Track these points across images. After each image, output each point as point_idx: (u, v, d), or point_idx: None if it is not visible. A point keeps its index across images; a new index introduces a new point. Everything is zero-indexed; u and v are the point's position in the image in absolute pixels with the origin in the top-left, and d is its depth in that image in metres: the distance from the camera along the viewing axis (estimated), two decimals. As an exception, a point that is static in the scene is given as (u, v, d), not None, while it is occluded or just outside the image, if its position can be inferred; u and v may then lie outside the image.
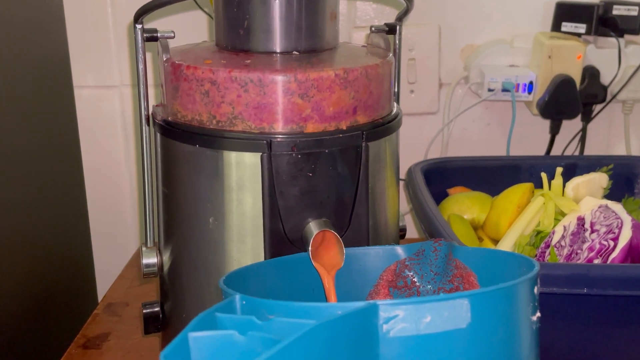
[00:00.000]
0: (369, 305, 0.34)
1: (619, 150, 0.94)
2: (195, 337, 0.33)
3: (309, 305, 0.35)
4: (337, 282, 0.49)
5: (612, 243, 0.57)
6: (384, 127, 0.52)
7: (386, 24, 0.58)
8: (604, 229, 0.59)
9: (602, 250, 0.57)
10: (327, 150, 0.49)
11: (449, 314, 0.35)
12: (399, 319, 0.35)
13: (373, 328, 0.35)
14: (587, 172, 0.71)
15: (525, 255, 0.43)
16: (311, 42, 0.53)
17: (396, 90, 0.59)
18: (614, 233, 0.58)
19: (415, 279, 0.49)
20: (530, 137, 0.93)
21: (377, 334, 0.35)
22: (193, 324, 0.35)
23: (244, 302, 0.37)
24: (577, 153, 0.93)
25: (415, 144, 0.93)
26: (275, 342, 0.31)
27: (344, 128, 0.50)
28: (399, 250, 0.50)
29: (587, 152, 0.93)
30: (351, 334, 0.34)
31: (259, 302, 0.37)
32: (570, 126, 0.92)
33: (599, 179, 0.67)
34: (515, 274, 0.41)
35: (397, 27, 0.58)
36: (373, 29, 0.58)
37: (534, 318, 0.39)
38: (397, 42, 0.59)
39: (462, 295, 0.35)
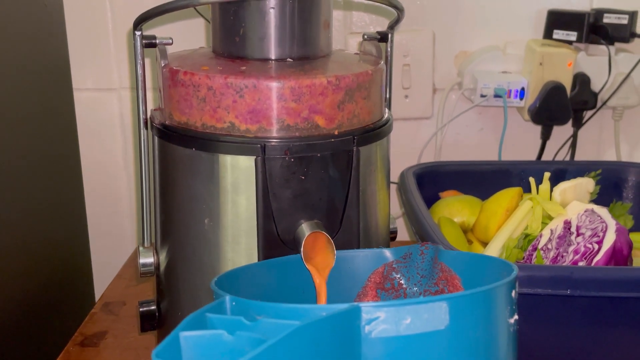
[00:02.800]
0: (351, 307, 0.36)
1: (610, 155, 0.96)
2: (186, 337, 0.35)
3: (295, 306, 0.37)
4: (327, 284, 0.50)
5: (596, 246, 0.59)
6: (375, 132, 0.54)
7: (378, 32, 0.60)
8: (589, 233, 0.60)
9: (587, 253, 0.59)
10: (319, 154, 0.50)
11: (428, 316, 0.36)
12: (380, 320, 0.36)
13: (355, 329, 0.36)
14: (577, 177, 0.73)
15: (505, 260, 0.45)
16: (305, 50, 0.54)
17: (387, 96, 0.61)
18: (599, 236, 0.59)
19: (402, 281, 0.50)
20: (522, 143, 0.95)
21: (359, 334, 0.36)
22: (184, 323, 0.36)
23: (234, 303, 0.39)
24: (568, 158, 0.94)
25: (409, 148, 0.95)
26: (261, 342, 0.33)
27: (336, 133, 0.51)
28: (387, 253, 0.51)
29: (577, 158, 0.95)
30: (334, 335, 0.35)
31: (247, 303, 0.38)
32: (562, 132, 0.93)
33: (586, 184, 0.68)
34: (497, 277, 0.42)
35: (389, 35, 0.60)
36: (365, 37, 0.60)
37: (512, 320, 0.40)
38: (389, 49, 0.60)
39: (440, 298, 0.37)
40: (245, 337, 0.35)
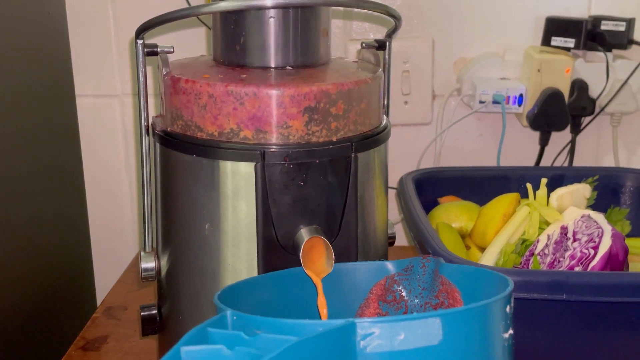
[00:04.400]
0: (347, 323, 0.37)
1: (608, 161, 0.97)
2: (187, 351, 0.36)
3: (293, 322, 0.38)
4: (330, 296, 0.51)
5: (592, 251, 0.59)
6: (373, 138, 0.54)
7: (376, 40, 0.61)
8: (585, 238, 0.61)
9: (583, 259, 0.60)
10: (317, 161, 0.51)
11: (422, 332, 0.37)
12: (375, 336, 0.37)
13: (351, 344, 0.37)
14: (575, 182, 0.73)
15: (502, 275, 0.45)
16: (304, 58, 0.55)
17: (385, 103, 0.61)
18: (595, 242, 0.60)
19: (403, 294, 0.51)
20: (521, 148, 0.96)
21: (355, 349, 0.37)
22: (186, 337, 0.37)
23: (235, 318, 0.40)
24: (566, 164, 0.95)
25: (409, 153, 0.95)
26: (259, 358, 0.34)
27: (334, 139, 0.52)
28: (389, 265, 0.52)
29: (576, 164, 0.95)
30: (331, 350, 0.36)
31: (248, 318, 0.39)
32: (560, 138, 0.94)
33: (583, 190, 0.69)
34: (495, 291, 0.43)
35: (387, 43, 0.61)
36: (364, 45, 0.61)
37: (506, 335, 0.40)
38: (387, 57, 0.61)
39: (434, 314, 0.38)
40: (244, 353, 0.35)
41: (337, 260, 0.51)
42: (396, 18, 0.56)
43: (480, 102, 0.89)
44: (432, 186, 0.80)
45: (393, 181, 0.71)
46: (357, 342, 0.37)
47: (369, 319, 0.37)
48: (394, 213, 0.92)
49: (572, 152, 0.94)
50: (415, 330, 0.37)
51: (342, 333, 0.36)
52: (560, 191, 0.67)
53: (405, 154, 0.95)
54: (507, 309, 0.41)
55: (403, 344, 0.37)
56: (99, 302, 0.96)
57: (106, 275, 0.97)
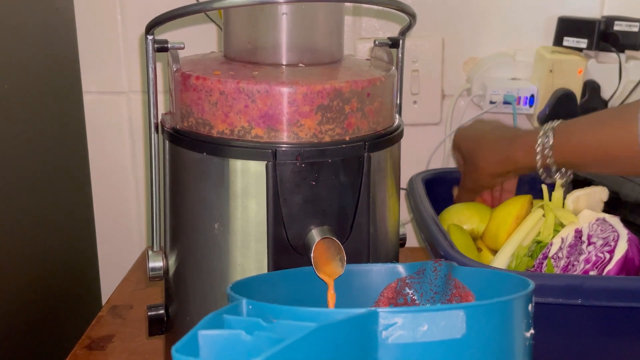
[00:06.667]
0: (369, 311, 0.36)
1: (619, 163, 0.96)
2: (205, 335, 0.35)
3: (312, 310, 0.37)
4: (340, 298, 0.50)
5: (607, 255, 0.58)
6: (386, 138, 0.53)
7: (389, 38, 0.60)
8: (600, 242, 0.60)
9: (598, 262, 0.59)
10: (330, 160, 0.50)
11: (445, 324, 0.36)
12: (398, 326, 0.36)
13: (373, 334, 0.36)
14: (586, 185, 0.72)
15: (521, 276, 0.45)
16: (316, 55, 0.54)
17: (398, 102, 0.61)
18: (610, 246, 0.59)
19: (415, 297, 0.50)
20: (531, 150, 0.94)
21: (376, 339, 0.36)
22: (202, 323, 0.36)
23: (250, 307, 0.39)
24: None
25: (418, 154, 0.94)
26: (279, 342, 0.33)
27: (347, 139, 0.51)
28: (400, 268, 0.51)
29: (587, 165, 0.94)
30: (352, 338, 0.35)
31: (264, 307, 0.38)
32: (571, 139, 0.93)
33: (599, 192, 0.68)
34: (511, 292, 0.42)
35: (400, 42, 0.60)
36: (377, 42, 0.60)
37: (528, 334, 0.40)
38: (400, 55, 0.60)
39: (458, 306, 0.37)
40: (264, 337, 0.35)
41: (348, 261, 0.50)
42: (411, 15, 0.55)
43: (491, 102, 0.88)
44: (441, 187, 0.80)
45: (402, 181, 0.70)
46: (379, 332, 0.36)
47: (392, 309, 0.36)
48: (403, 213, 0.91)
49: (583, 154, 0.93)
50: (438, 322, 0.36)
51: (364, 322, 0.36)
52: (576, 193, 0.66)
53: (414, 154, 0.94)
54: (529, 307, 0.40)
55: (425, 336, 0.36)
56: (104, 301, 0.95)
57: (111, 273, 0.96)
